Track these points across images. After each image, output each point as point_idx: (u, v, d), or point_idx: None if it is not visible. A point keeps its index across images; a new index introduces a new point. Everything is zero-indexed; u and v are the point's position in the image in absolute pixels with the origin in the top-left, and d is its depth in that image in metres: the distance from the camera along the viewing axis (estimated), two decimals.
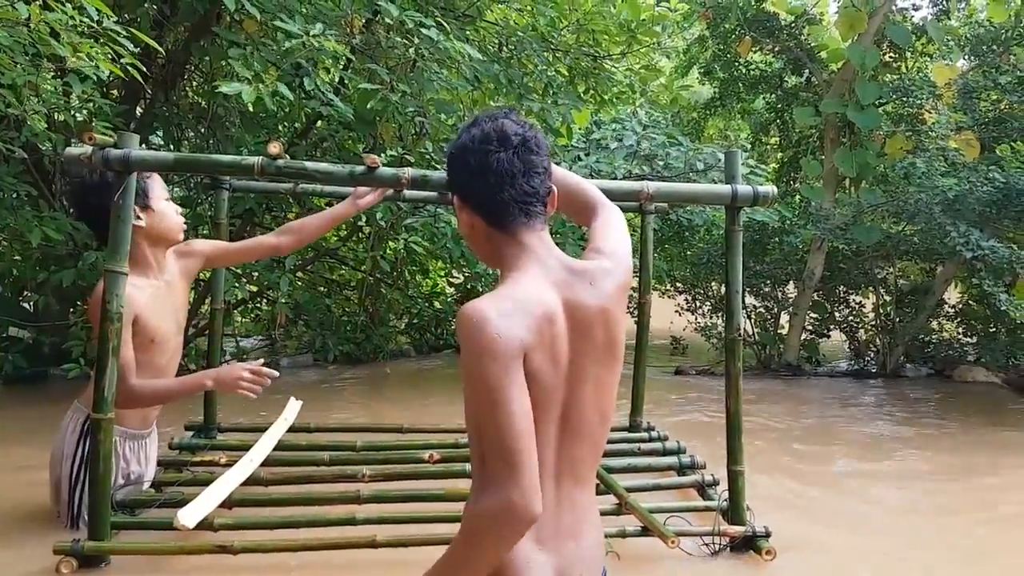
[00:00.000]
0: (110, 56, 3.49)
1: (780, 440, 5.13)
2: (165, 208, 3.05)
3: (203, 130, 6.69)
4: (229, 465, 3.58)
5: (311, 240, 3.64)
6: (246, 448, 3.84)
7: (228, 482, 3.16)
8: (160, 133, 6.83)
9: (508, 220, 1.55)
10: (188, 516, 2.72)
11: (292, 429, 4.26)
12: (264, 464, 3.60)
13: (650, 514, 2.94)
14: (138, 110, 6.44)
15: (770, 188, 2.82)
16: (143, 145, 6.36)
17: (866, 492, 4.05)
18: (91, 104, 4.69)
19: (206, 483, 3.39)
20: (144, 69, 3.72)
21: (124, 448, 3.16)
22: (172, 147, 6.89)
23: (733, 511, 2.94)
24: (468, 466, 3.55)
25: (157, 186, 3.05)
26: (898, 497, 4.01)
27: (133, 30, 3.49)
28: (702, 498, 3.43)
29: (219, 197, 3.99)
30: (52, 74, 4.24)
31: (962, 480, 4.37)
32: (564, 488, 1.50)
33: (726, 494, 3.06)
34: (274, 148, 2.52)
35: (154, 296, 3.01)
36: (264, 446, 3.63)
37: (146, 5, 6.06)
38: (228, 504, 3.14)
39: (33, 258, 5.51)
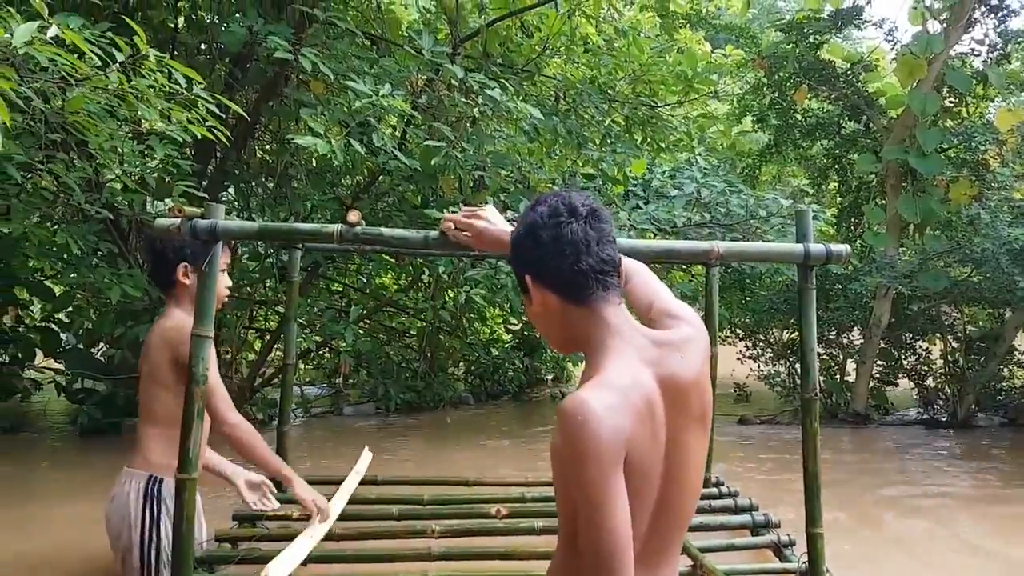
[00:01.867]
0: (198, 120, 3.65)
1: (851, 495, 5.02)
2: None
3: (271, 185, 6.92)
4: (302, 519, 3.65)
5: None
6: None
7: (311, 536, 3.21)
8: (231, 189, 7.08)
9: (587, 293, 1.49)
10: (276, 571, 2.77)
11: (363, 482, 4.32)
12: (337, 518, 3.66)
13: None
14: (209, 168, 6.69)
15: (844, 247, 2.79)
16: (212, 200, 6.62)
17: (940, 552, 3.94)
18: (168, 164, 4.89)
19: (280, 538, 3.47)
20: (227, 132, 3.88)
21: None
22: (242, 202, 7.13)
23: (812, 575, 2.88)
24: (536, 522, 3.57)
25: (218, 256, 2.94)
26: (973, 557, 3.88)
27: (220, 97, 3.65)
28: (779, 559, 3.37)
29: (293, 256, 4.11)
30: (130, 136, 4.43)
31: None
32: (652, 570, 1.47)
33: (804, 556, 3.00)
34: (353, 216, 2.60)
35: None
36: (340, 499, 3.68)
37: (218, 68, 6.34)
38: (304, 561, 3.19)
39: (110, 313, 5.72)
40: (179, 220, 2.63)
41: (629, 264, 1.80)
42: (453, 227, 2.18)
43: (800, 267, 2.90)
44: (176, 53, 6.19)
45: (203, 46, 6.62)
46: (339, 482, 4.29)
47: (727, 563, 3.12)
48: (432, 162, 5.50)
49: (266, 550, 3.29)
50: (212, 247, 2.66)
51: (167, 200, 5.89)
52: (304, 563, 3.23)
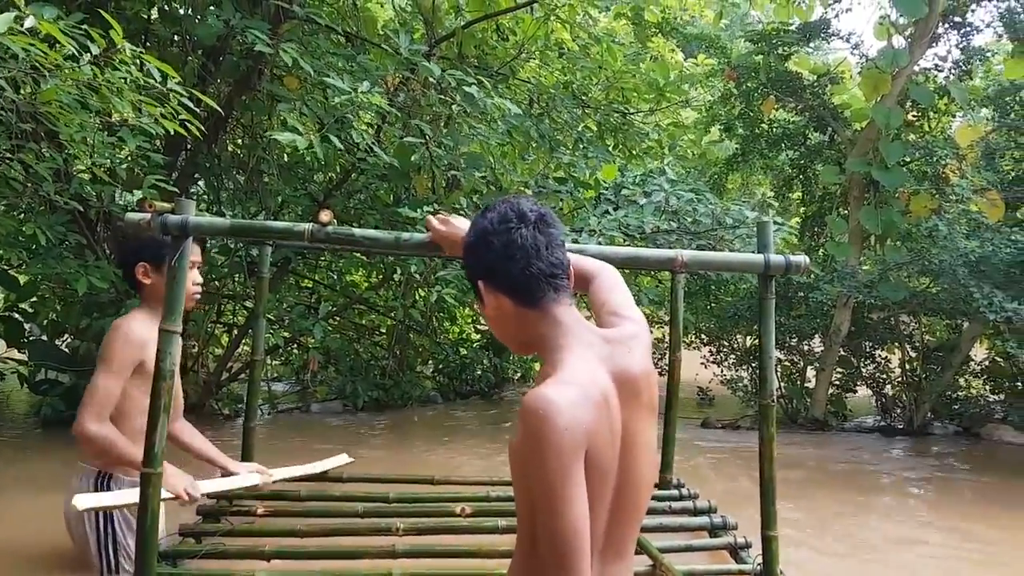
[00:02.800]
0: (171, 114, 3.65)
1: (808, 498, 5.13)
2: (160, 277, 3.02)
3: (242, 180, 6.90)
4: (266, 515, 3.67)
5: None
6: (283, 498, 3.92)
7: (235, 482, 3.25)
8: (201, 183, 7.05)
9: (538, 295, 1.53)
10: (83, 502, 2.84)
11: (325, 478, 4.34)
12: (300, 515, 3.68)
13: None
14: (180, 161, 6.65)
15: (802, 258, 2.89)
16: (184, 195, 6.59)
17: (895, 555, 4.05)
18: (139, 156, 4.87)
19: (245, 533, 3.49)
20: (201, 126, 3.89)
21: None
22: (212, 195, 7.10)
23: None
24: (500, 521, 3.62)
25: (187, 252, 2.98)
26: (929, 561, 4.00)
27: (196, 92, 3.66)
28: (735, 560, 3.45)
29: (263, 252, 4.11)
30: (101, 127, 4.41)
31: (999, 545, 4.35)
32: (608, 566, 1.51)
33: (759, 557, 3.08)
34: (324, 216, 2.63)
35: None
36: (290, 472, 3.66)
37: (191, 60, 6.31)
38: (266, 556, 3.22)
39: (76, 304, 5.68)
40: (150, 215, 2.65)
41: (596, 265, 1.89)
42: (435, 224, 2.25)
43: (761, 277, 2.99)
44: (148, 44, 6.16)
45: (176, 38, 6.58)
46: (305, 478, 4.34)
47: (685, 563, 3.20)
48: (412, 159, 5.54)
49: (230, 545, 3.31)
50: (180, 244, 2.69)
51: (136, 192, 5.87)
52: (267, 559, 3.26)
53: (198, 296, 3.28)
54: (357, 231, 2.73)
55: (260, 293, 4.16)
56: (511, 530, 3.55)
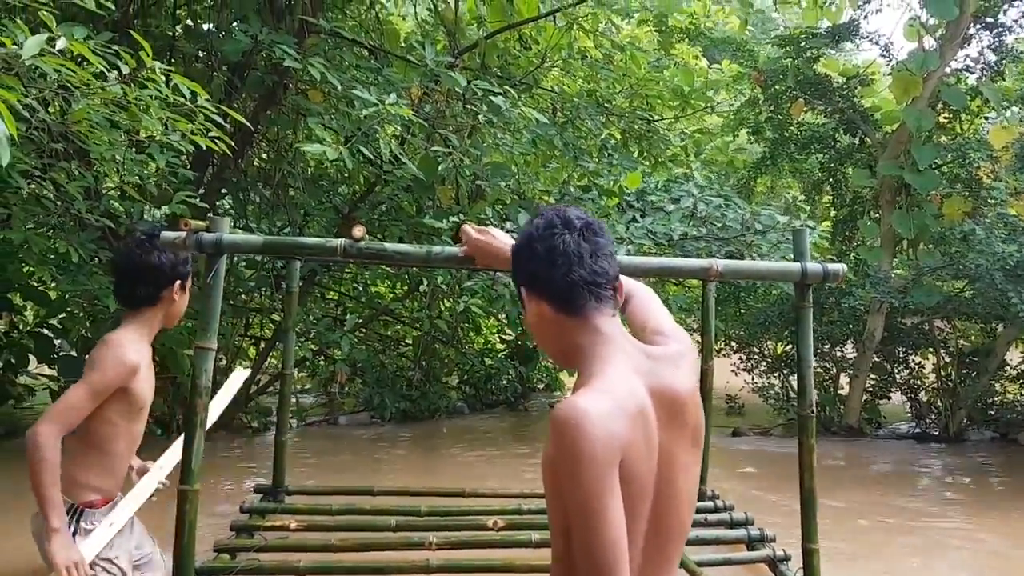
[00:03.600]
0: (201, 130, 3.67)
1: (844, 507, 5.04)
2: (186, 297, 2.98)
3: (268, 194, 6.93)
4: (300, 529, 3.66)
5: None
6: (316, 512, 3.92)
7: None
8: (228, 197, 7.09)
9: (579, 304, 1.50)
10: None
11: (357, 492, 4.33)
12: (333, 529, 3.68)
13: None
14: (206, 176, 6.69)
15: (840, 266, 2.84)
16: (212, 210, 6.63)
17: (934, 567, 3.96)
18: (168, 173, 4.89)
19: (278, 548, 3.48)
20: (231, 142, 3.90)
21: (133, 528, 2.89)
22: (239, 210, 7.14)
23: None
24: (533, 535, 3.58)
25: (222, 269, 2.75)
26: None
27: (225, 108, 3.67)
28: (774, 574, 3.39)
29: (292, 267, 4.12)
30: (129, 145, 4.44)
31: None
32: None
33: (799, 571, 3.02)
34: (358, 232, 2.62)
35: (149, 367, 2.85)
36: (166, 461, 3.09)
37: (216, 76, 6.36)
38: (301, 572, 3.21)
39: (107, 320, 5.71)
40: (185, 233, 2.65)
41: (630, 285, 1.83)
42: (472, 233, 2.22)
43: (797, 286, 2.94)
44: (173, 61, 6.21)
45: (201, 54, 6.63)
46: (336, 492, 4.34)
47: None
48: (439, 169, 5.53)
49: (265, 560, 3.30)
50: (215, 261, 2.69)
51: (164, 208, 5.90)
52: (302, 574, 3.25)
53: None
54: (388, 246, 2.72)
55: (289, 307, 4.16)
56: (544, 544, 3.52)
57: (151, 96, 3.50)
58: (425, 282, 6.86)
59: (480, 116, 5.80)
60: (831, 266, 2.87)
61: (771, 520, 4.09)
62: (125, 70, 3.29)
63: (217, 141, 3.82)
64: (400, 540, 3.55)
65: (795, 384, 8.16)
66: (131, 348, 2.73)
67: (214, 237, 2.68)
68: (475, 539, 3.59)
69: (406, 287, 7.80)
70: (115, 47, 3.21)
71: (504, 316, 6.53)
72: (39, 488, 2.54)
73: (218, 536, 3.61)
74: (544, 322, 1.56)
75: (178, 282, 2.92)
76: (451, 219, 5.73)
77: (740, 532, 3.75)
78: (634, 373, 1.45)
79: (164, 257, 2.81)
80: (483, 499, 4.30)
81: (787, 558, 3.43)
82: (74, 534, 2.67)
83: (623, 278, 1.78)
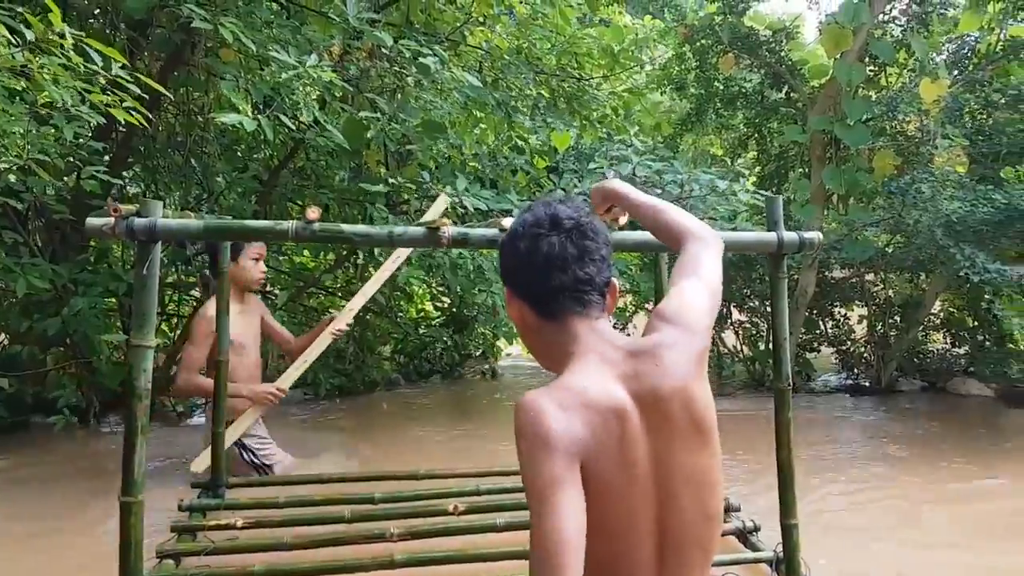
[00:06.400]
0: (116, 102, 3.32)
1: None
2: (248, 264, 4.31)
3: (180, 161, 6.49)
4: (247, 527, 3.43)
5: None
6: (262, 506, 3.69)
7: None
8: (137, 167, 6.62)
9: (558, 309, 1.44)
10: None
11: (305, 481, 4.12)
12: (283, 524, 3.46)
13: None
14: (112, 146, 6.21)
15: (816, 234, 2.76)
16: (121, 181, 6.17)
17: (889, 524, 4.01)
18: (73, 145, 4.48)
19: (227, 551, 3.24)
20: (147, 112, 3.56)
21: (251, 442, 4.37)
22: (149, 178, 6.69)
23: (789, 568, 2.85)
24: (497, 519, 3.45)
25: (251, 249, 4.29)
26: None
27: (141, 76, 3.32)
28: (744, 546, 3.34)
29: (222, 245, 3.82)
30: (31, 117, 4.05)
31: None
32: None
33: (778, 546, 2.97)
34: (312, 214, 2.39)
35: (239, 315, 4.24)
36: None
37: (117, 36, 5.86)
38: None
39: (15, 306, 5.27)
40: (113, 220, 2.37)
41: (690, 230, 1.69)
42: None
43: (772, 256, 2.84)
44: (67, 18, 5.67)
45: (96, 11, 6.10)
46: (281, 483, 4.11)
47: None
48: (368, 135, 5.24)
49: (215, 566, 3.07)
50: (149, 251, 2.40)
51: (65, 179, 5.45)
52: None
53: (262, 281, 4.48)
54: (346, 227, 2.49)
55: (222, 289, 3.86)
56: (511, 527, 3.39)
57: (58, 64, 3.14)
58: (359, 253, 6.57)
59: (408, 78, 5.51)
60: (807, 234, 2.79)
61: (730, 488, 4.06)
62: (30, 36, 2.93)
63: (134, 113, 3.49)
64: (358, 533, 3.35)
65: (727, 340, 8.27)
66: (210, 307, 4.10)
67: (147, 223, 2.40)
68: (438, 527, 3.43)
69: (333, 258, 7.47)
70: (16, 9, 2.84)
71: (443, 284, 6.31)
72: (201, 390, 4.21)
73: (157, 539, 3.33)
74: (526, 324, 1.50)
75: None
76: (389, 182, 5.48)
77: None
78: (613, 378, 1.36)
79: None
80: (437, 480, 4.13)
81: (756, 528, 3.39)
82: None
83: (688, 226, 1.69)
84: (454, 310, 8.40)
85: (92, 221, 2.41)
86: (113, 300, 5.93)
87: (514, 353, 9.46)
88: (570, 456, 1.23)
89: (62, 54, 3.07)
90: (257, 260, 4.34)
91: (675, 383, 1.37)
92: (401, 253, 4.41)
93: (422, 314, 9.08)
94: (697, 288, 1.56)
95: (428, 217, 4.08)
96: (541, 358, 1.52)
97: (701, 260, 1.62)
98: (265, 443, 4.46)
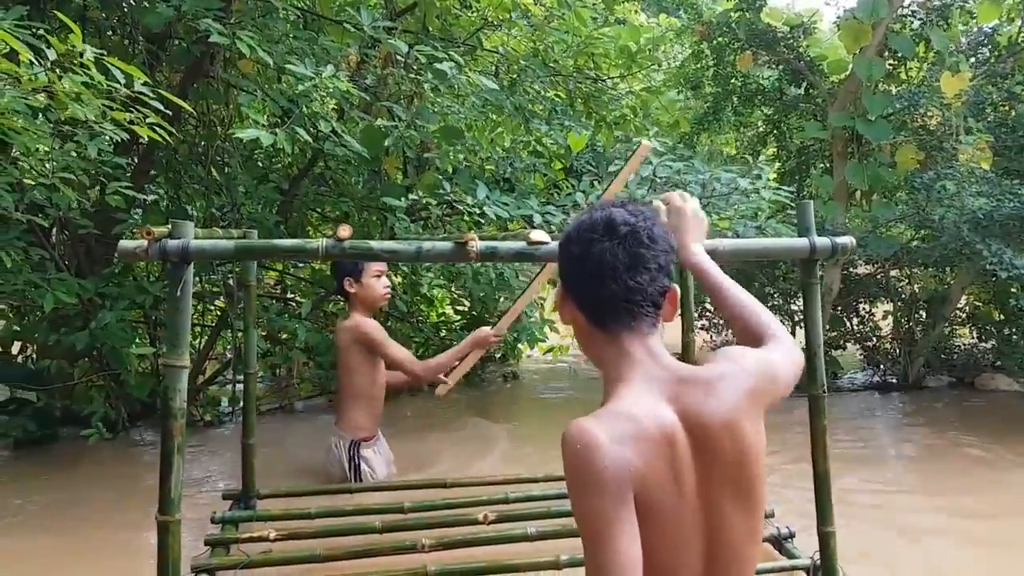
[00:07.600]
0: (139, 119, 3.34)
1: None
2: (372, 283, 4.30)
3: (203, 173, 6.53)
4: (280, 539, 3.44)
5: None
6: (293, 517, 3.70)
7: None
8: (159, 179, 6.67)
9: (608, 319, 1.42)
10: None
11: (333, 491, 4.13)
12: (315, 535, 3.48)
13: None
14: (133, 160, 6.25)
15: (849, 239, 2.71)
16: (145, 196, 6.21)
17: (926, 526, 3.97)
18: (98, 161, 4.51)
19: (262, 564, 3.26)
20: (171, 128, 3.58)
21: (368, 451, 4.43)
22: (173, 192, 6.73)
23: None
24: (529, 528, 3.44)
25: (372, 267, 4.26)
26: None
27: (163, 92, 3.34)
28: (779, 552, 3.32)
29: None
30: (55, 135, 4.09)
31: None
32: None
33: (813, 553, 2.94)
34: (344, 232, 2.40)
35: (378, 329, 4.39)
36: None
37: (135, 48, 5.90)
38: None
39: (42, 320, 5.32)
40: (146, 243, 2.38)
41: (769, 336, 1.62)
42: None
43: (803, 262, 2.81)
44: (87, 33, 5.71)
45: (116, 23, 6.13)
46: (312, 492, 4.12)
47: None
48: (386, 143, 5.24)
49: None
50: (181, 272, 2.41)
51: (88, 193, 5.48)
52: None
53: (388, 296, 4.54)
54: (375, 244, 2.48)
55: (249, 303, 3.88)
56: (543, 536, 3.39)
57: (81, 83, 3.16)
58: None
59: (425, 84, 5.51)
60: (839, 239, 2.75)
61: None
62: (52, 56, 2.95)
63: (157, 129, 3.51)
64: (390, 544, 3.37)
65: None
66: (368, 319, 4.38)
67: (179, 244, 2.41)
68: (469, 537, 3.44)
69: None
70: (36, 26, 2.86)
71: (466, 290, 6.30)
72: (446, 367, 4.40)
73: (191, 552, 3.35)
74: (578, 327, 1.49)
75: (348, 277, 4.27)
76: (409, 197, 5.48)
77: None
78: (662, 399, 1.34)
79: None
80: (466, 489, 4.14)
81: (792, 535, 3.36)
82: (359, 459, 4.37)
83: (773, 325, 1.63)
84: (474, 314, 8.38)
85: (125, 244, 2.42)
86: (140, 312, 5.96)
87: (533, 355, 9.42)
88: (622, 491, 1.22)
89: (84, 72, 3.09)
90: (379, 276, 4.33)
91: (724, 415, 1.35)
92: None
93: (443, 318, 9.06)
94: (763, 354, 1.54)
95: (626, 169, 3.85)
96: (592, 359, 1.50)
97: (773, 357, 1.55)
98: (377, 463, 4.49)
